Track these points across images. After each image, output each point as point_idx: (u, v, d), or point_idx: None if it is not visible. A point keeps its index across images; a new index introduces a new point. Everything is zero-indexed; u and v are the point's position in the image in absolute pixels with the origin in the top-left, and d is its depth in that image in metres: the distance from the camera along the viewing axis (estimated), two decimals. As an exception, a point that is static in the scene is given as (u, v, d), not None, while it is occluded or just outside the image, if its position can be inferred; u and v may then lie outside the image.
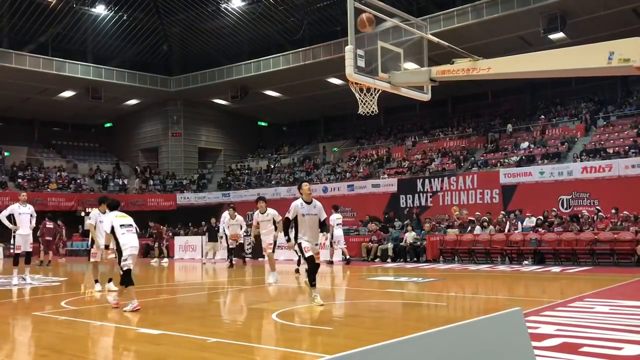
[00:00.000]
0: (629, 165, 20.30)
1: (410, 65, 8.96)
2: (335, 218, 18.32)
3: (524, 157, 24.22)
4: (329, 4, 29.21)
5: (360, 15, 7.71)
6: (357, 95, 8.41)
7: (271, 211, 13.19)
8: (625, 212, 16.68)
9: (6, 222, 12.65)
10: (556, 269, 14.40)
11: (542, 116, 28.09)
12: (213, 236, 21.11)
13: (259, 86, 32.88)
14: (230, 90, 33.34)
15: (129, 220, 8.60)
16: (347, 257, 18.34)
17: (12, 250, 13.48)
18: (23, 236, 12.60)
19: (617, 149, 22.14)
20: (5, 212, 12.75)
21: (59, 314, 8.13)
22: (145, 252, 26.63)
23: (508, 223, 18.44)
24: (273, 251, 13.20)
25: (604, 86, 28.59)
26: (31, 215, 12.83)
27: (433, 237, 18.62)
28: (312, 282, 8.42)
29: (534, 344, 3.61)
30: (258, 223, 13.23)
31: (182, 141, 37.39)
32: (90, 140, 41.17)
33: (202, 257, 22.70)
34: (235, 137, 39.47)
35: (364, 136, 35.35)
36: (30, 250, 12.84)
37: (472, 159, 26.31)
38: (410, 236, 19.04)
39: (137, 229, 8.79)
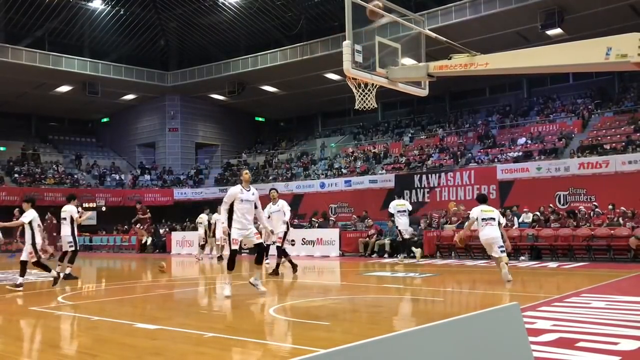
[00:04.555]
0: (626, 161, 20.32)
1: (407, 61, 8.95)
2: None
3: (519, 154, 24.23)
4: (326, -1, 29.16)
5: (369, 6, 7.63)
6: (354, 90, 8.38)
7: (281, 202, 12.63)
8: (622, 207, 16.71)
9: None
10: (553, 264, 14.45)
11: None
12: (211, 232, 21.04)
13: (257, 81, 32.83)
14: (228, 85, 33.28)
15: None
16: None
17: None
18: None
19: (613, 145, 22.17)
20: None
21: (56, 309, 8.12)
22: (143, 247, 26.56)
23: (505, 219, 18.42)
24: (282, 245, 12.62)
25: (601, 82, 28.62)
26: None
27: (430, 232, 18.64)
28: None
29: (531, 338, 3.62)
30: (270, 215, 12.38)
31: (180, 136, 37.35)
32: (87, 135, 41.10)
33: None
34: (232, 132, 39.43)
35: (362, 132, 35.34)
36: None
37: (469, 154, 26.32)
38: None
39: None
